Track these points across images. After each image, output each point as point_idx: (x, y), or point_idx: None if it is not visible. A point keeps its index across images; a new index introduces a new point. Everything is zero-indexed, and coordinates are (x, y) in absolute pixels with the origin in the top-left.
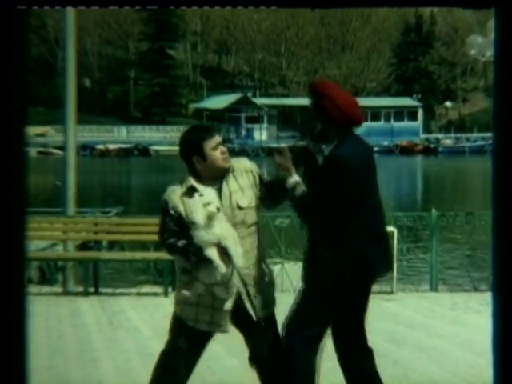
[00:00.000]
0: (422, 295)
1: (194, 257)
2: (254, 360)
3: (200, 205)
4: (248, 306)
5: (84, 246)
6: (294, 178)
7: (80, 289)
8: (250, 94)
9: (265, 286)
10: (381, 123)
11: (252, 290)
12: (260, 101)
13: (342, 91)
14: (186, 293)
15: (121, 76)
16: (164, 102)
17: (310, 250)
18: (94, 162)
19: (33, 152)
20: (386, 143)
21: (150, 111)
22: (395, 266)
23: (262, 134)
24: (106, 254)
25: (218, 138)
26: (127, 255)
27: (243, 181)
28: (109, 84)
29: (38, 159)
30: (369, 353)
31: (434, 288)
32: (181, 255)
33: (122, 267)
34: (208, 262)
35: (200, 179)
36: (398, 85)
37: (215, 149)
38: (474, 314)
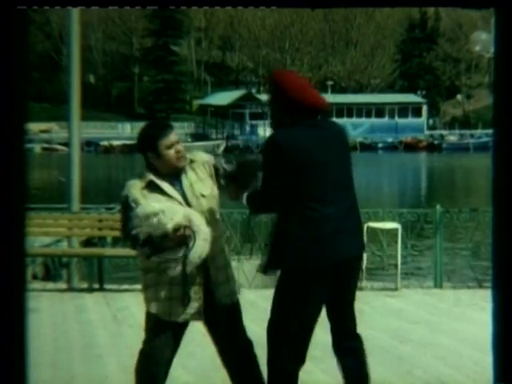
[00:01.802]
0: (427, 292)
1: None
2: (223, 356)
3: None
4: (214, 292)
5: (88, 242)
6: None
7: (84, 285)
8: (254, 90)
9: (229, 275)
10: (385, 119)
11: (215, 278)
12: (264, 97)
13: (296, 79)
14: (154, 289)
15: (125, 72)
16: (168, 98)
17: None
18: (98, 159)
19: (37, 148)
20: (390, 139)
21: (154, 107)
22: (399, 262)
23: (266, 130)
24: (110, 251)
25: (172, 137)
26: (132, 251)
27: (201, 172)
28: (113, 80)
29: (42, 155)
30: (357, 339)
31: (438, 284)
32: (145, 246)
33: (126, 263)
34: (169, 251)
35: (157, 173)
36: (403, 81)
37: (169, 148)
38: (478, 310)
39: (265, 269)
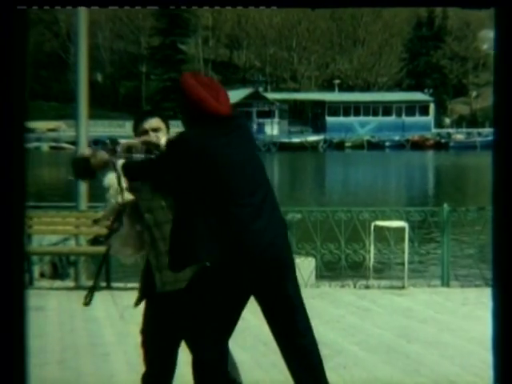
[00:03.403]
0: (434, 290)
1: None
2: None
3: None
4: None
5: (96, 240)
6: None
7: (92, 283)
8: (261, 89)
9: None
10: (392, 118)
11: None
12: (271, 95)
13: (196, 84)
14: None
15: (132, 71)
16: (175, 96)
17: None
18: None
19: (45, 147)
20: (397, 138)
21: (161, 106)
22: (406, 260)
23: (273, 129)
24: None
25: (146, 125)
26: None
27: None
28: (120, 79)
29: (50, 154)
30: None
31: (445, 283)
32: None
33: (133, 261)
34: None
35: None
36: (410, 79)
37: (143, 134)
38: (485, 309)
39: (176, 266)
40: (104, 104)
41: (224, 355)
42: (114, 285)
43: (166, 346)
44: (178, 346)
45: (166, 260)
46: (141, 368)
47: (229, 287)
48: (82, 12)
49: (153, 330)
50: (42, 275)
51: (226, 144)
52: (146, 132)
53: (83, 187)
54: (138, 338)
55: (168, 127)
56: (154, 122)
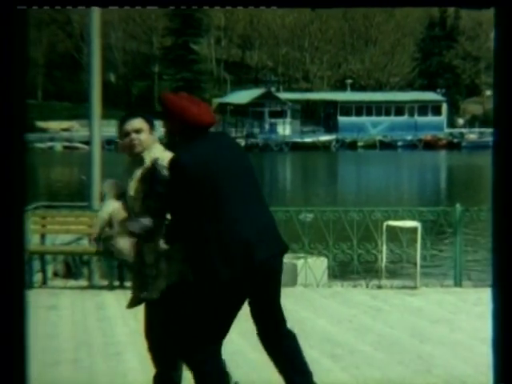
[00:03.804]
0: (446, 290)
1: None
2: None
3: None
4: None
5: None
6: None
7: (105, 282)
8: (273, 89)
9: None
10: (405, 118)
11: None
12: (283, 95)
13: (177, 100)
14: None
15: (145, 71)
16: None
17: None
18: (118, 157)
19: (58, 146)
20: (409, 138)
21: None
22: (419, 260)
23: (285, 129)
24: None
25: (128, 127)
26: None
27: (139, 171)
28: (133, 79)
29: (63, 154)
30: (288, 335)
31: (458, 283)
32: None
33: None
34: None
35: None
36: (422, 79)
37: (125, 136)
38: None
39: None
40: (117, 104)
41: (220, 356)
42: (128, 284)
43: (171, 347)
44: None
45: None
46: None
47: (230, 295)
48: (95, 12)
49: (153, 333)
50: (56, 274)
51: (220, 157)
52: (128, 134)
53: (96, 187)
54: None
55: (152, 127)
56: (136, 123)
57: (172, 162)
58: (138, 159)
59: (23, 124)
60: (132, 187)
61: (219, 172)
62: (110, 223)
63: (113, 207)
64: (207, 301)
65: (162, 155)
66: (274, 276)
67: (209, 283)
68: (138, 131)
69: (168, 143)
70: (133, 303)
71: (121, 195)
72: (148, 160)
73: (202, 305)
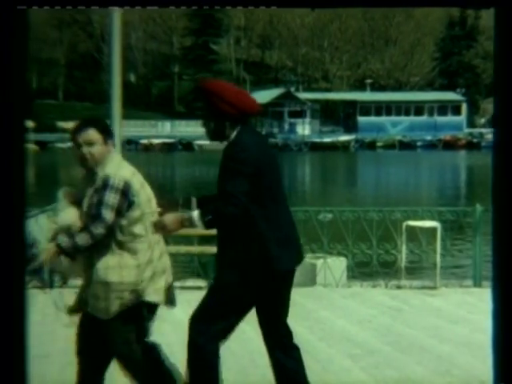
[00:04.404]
0: (466, 290)
1: None
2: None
3: None
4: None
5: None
6: (195, 218)
7: None
8: (293, 89)
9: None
10: (424, 117)
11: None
12: (303, 95)
13: (228, 85)
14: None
15: (165, 71)
16: (202, 104)
17: (219, 248)
18: (138, 157)
19: None
20: (429, 138)
21: (193, 106)
22: (438, 261)
23: (304, 129)
24: None
25: (79, 139)
26: (171, 249)
27: (90, 190)
28: (153, 79)
29: None
30: (293, 349)
31: (477, 283)
32: None
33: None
34: None
35: None
36: (442, 79)
37: (77, 148)
38: None
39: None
40: (137, 104)
41: (218, 350)
42: None
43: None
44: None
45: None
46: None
47: (253, 288)
48: (116, 13)
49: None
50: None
51: (267, 149)
52: (79, 146)
53: None
54: (170, 337)
55: (108, 136)
56: (88, 135)
57: (234, 143)
58: (90, 174)
59: (23, 124)
60: (85, 204)
61: (268, 163)
62: (67, 232)
63: (73, 216)
64: (243, 286)
65: (116, 171)
66: (291, 283)
67: (260, 270)
68: (89, 144)
69: (213, 133)
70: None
71: (76, 203)
72: (100, 176)
73: (236, 288)
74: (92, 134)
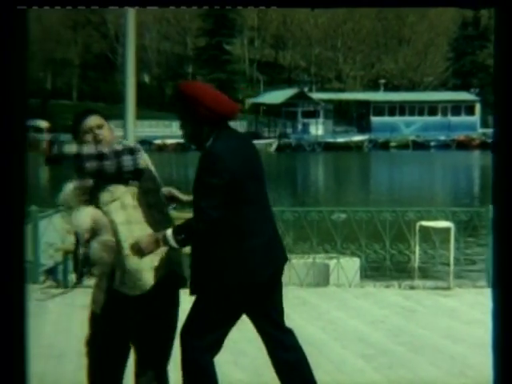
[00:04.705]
0: (480, 291)
1: None
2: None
3: None
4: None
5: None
6: (170, 241)
7: None
8: (306, 89)
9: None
10: (438, 118)
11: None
12: (316, 95)
13: (206, 88)
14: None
15: (179, 71)
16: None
17: (196, 261)
18: (151, 157)
19: None
20: (442, 138)
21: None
22: (452, 261)
23: (318, 129)
24: None
25: (90, 123)
26: (186, 249)
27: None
28: (167, 79)
29: None
30: (296, 349)
31: (491, 284)
32: None
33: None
34: None
35: None
36: (456, 79)
37: (86, 133)
38: None
39: (197, 289)
40: (150, 104)
41: (211, 362)
42: None
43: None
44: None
45: (129, 261)
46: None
47: (237, 300)
48: (130, 13)
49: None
50: (91, 274)
51: (245, 152)
52: (90, 130)
53: None
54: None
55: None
56: (96, 119)
57: (208, 154)
58: None
59: (23, 124)
60: (130, 194)
61: (247, 167)
62: (92, 232)
63: (94, 214)
64: (227, 298)
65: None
66: (278, 285)
67: (241, 282)
68: (99, 127)
69: (191, 136)
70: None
71: (88, 201)
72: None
73: (220, 301)
74: (99, 118)
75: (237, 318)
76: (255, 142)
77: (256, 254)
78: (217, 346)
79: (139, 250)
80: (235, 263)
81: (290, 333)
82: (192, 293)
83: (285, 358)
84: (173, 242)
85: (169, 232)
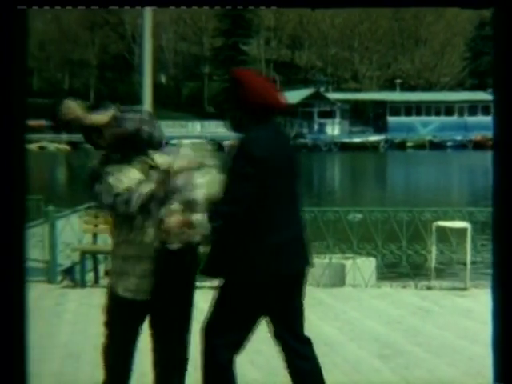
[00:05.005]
0: None
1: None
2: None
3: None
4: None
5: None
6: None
7: None
8: (322, 89)
9: None
10: (454, 118)
11: None
12: (333, 96)
13: (258, 78)
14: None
15: (195, 72)
16: (228, 93)
17: (217, 240)
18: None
19: None
20: (459, 138)
21: (223, 106)
22: (468, 261)
23: (334, 129)
24: None
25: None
26: (200, 249)
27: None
28: (184, 80)
29: None
30: (310, 359)
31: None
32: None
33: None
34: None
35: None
36: (472, 79)
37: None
38: None
39: (209, 272)
40: (167, 105)
41: (231, 363)
42: None
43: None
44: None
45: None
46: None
47: (253, 297)
48: (148, 14)
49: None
50: (107, 273)
51: (282, 150)
52: (106, 125)
53: None
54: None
55: None
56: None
57: (245, 143)
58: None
59: (23, 124)
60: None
61: (280, 164)
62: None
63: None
64: (246, 296)
65: None
66: (298, 290)
67: (253, 279)
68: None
69: (233, 122)
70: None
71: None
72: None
73: (240, 298)
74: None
75: (255, 318)
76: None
77: (271, 253)
78: (237, 346)
79: (168, 232)
80: (249, 258)
81: (307, 343)
82: (205, 273)
83: (299, 365)
84: (207, 229)
85: (203, 217)
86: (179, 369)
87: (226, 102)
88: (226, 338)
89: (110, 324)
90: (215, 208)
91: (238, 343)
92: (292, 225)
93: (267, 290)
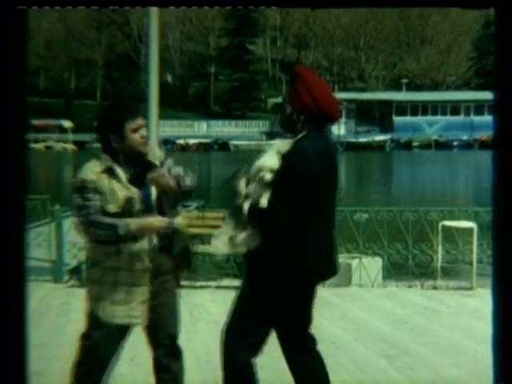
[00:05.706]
0: None
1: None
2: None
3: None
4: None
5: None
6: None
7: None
8: None
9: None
10: (460, 117)
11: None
12: (338, 95)
13: (321, 82)
14: (98, 288)
15: (201, 71)
16: (243, 96)
17: (256, 249)
18: (174, 157)
19: None
20: (465, 137)
21: (229, 106)
22: (475, 261)
23: (340, 129)
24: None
25: (140, 121)
26: (208, 248)
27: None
28: (190, 79)
29: None
30: (318, 356)
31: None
32: (105, 230)
33: (202, 260)
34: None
35: (115, 159)
36: (479, 78)
37: (135, 131)
38: None
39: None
40: (173, 104)
41: (250, 364)
42: (183, 283)
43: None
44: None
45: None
46: (209, 365)
47: (277, 299)
48: (154, 13)
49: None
50: None
51: (331, 158)
52: (137, 129)
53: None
54: (206, 336)
55: None
56: (143, 119)
57: (301, 152)
58: (143, 160)
59: (23, 124)
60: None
61: (327, 173)
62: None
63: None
64: (277, 296)
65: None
66: (314, 295)
67: (279, 282)
68: (143, 126)
69: (285, 121)
70: None
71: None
72: (156, 160)
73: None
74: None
75: (277, 319)
76: (277, 141)
77: (300, 259)
78: (257, 346)
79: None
80: (280, 262)
81: (310, 338)
82: (250, 274)
83: (301, 360)
84: (245, 215)
85: (247, 205)
86: (174, 355)
87: (284, 98)
88: (246, 339)
89: (90, 339)
90: (268, 216)
91: (258, 344)
92: (330, 231)
93: (301, 291)
